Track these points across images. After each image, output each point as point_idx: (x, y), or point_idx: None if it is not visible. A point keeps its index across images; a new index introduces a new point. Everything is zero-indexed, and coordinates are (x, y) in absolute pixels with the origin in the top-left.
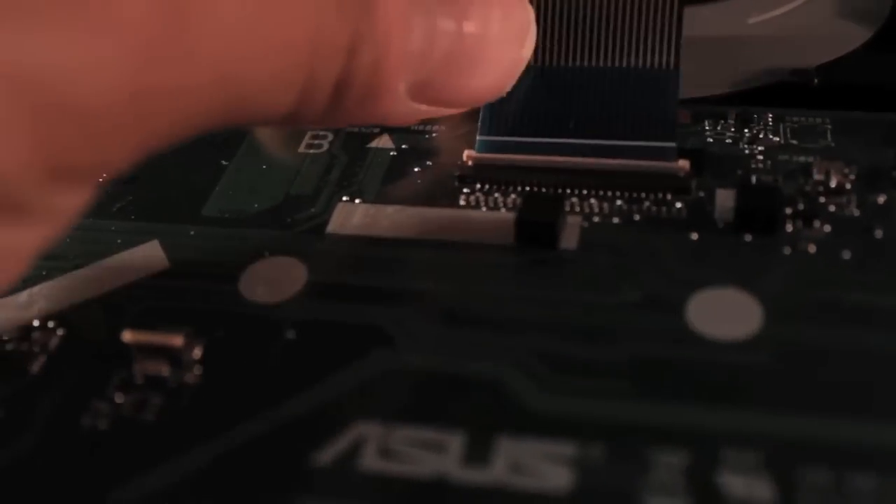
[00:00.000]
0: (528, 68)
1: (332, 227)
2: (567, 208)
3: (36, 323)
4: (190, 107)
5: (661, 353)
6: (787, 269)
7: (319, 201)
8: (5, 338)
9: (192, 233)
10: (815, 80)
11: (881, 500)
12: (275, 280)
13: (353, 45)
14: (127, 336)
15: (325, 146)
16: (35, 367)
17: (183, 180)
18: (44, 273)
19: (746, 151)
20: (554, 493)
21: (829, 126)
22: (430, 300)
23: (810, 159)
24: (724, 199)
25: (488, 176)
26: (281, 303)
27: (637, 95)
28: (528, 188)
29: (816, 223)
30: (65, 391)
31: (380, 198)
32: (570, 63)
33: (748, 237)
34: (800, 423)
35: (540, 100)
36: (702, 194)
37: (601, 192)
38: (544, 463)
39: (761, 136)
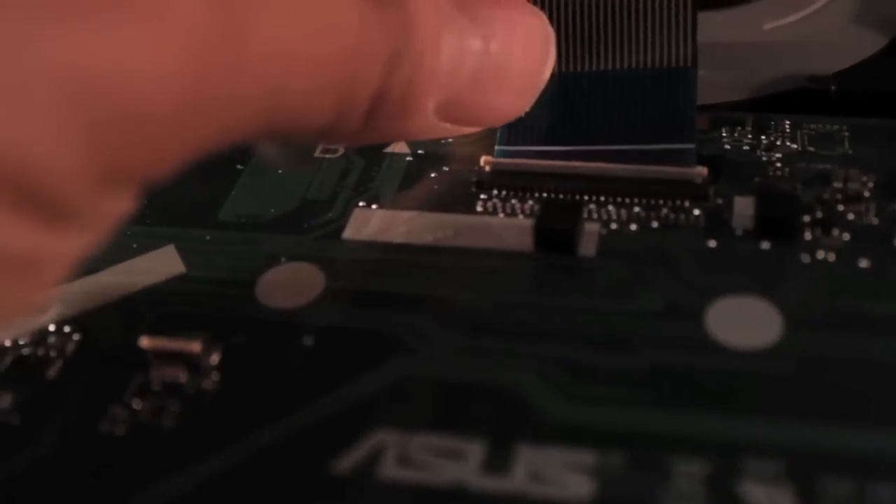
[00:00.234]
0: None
1: (348, 233)
2: (585, 215)
3: (52, 327)
4: (239, 116)
5: (680, 361)
6: (807, 278)
7: (336, 206)
8: (21, 342)
9: (208, 238)
10: (833, 87)
11: None
12: (292, 286)
13: (392, 59)
14: (144, 342)
15: (341, 150)
16: (52, 372)
17: (199, 184)
18: None
19: (764, 158)
20: (574, 502)
21: (847, 133)
22: (448, 307)
23: (828, 167)
24: (743, 206)
25: (506, 182)
26: (298, 309)
27: (654, 96)
28: (545, 195)
29: (835, 231)
30: (82, 397)
31: (396, 203)
32: (585, 67)
33: (767, 245)
34: (821, 433)
35: (556, 107)
36: (720, 201)
37: (619, 199)
38: (564, 472)
39: (779, 143)
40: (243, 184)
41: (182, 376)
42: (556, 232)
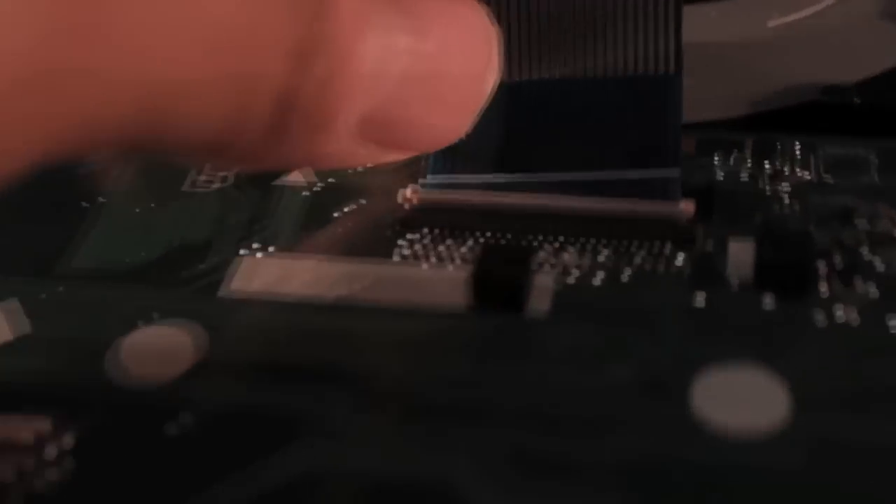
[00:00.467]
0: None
1: (233, 286)
2: (537, 263)
3: None
4: (101, 105)
5: (658, 449)
6: (821, 344)
7: (218, 252)
8: None
9: (56, 290)
10: (856, 100)
11: None
12: (162, 352)
13: (302, 49)
14: None
15: (228, 179)
16: None
17: (44, 224)
18: None
19: (768, 191)
20: None
21: (875, 159)
22: (362, 380)
23: (850, 201)
24: (740, 252)
25: (436, 220)
26: (170, 382)
27: (627, 111)
28: (486, 236)
29: (859, 283)
30: None
31: (296, 248)
32: (540, 75)
33: (770, 302)
34: None
35: (502, 125)
36: (711, 246)
37: (581, 242)
38: None
39: (787, 171)
40: (101, 224)
41: (27, 465)
42: (499, 284)
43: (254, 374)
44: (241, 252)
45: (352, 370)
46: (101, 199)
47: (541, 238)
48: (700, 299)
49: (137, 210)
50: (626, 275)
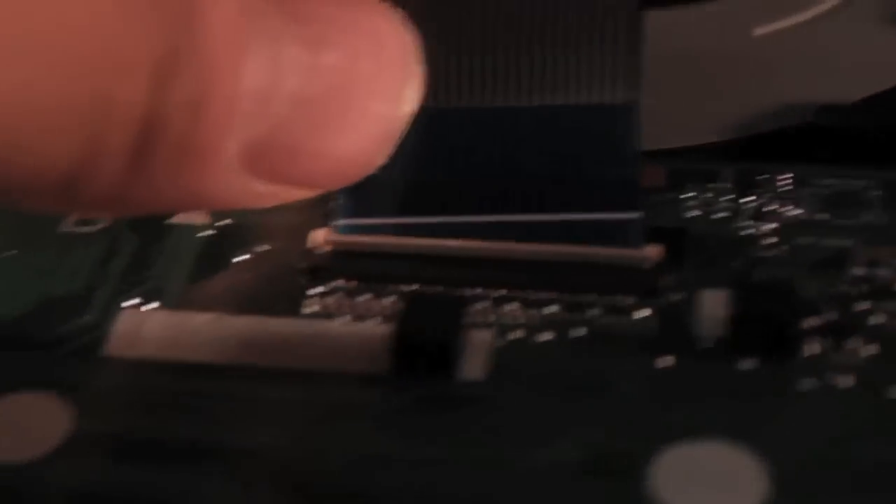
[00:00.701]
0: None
1: (112, 347)
2: (470, 318)
3: None
4: None
5: None
6: (808, 415)
7: (94, 306)
8: None
9: None
10: (854, 122)
11: None
12: (23, 427)
13: (163, 65)
14: None
15: (105, 221)
16: None
17: None
18: None
19: (749, 231)
20: None
21: (877, 192)
22: (262, 461)
23: (847, 244)
24: (714, 304)
25: (352, 269)
26: (32, 462)
27: (577, 146)
28: (412, 287)
29: (854, 342)
30: None
31: (186, 302)
32: (476, 102)
33: (749, 364)
34: None
35: (431, 155)
36: (679, 297)
37: (525, 293)
38: None
39: (772, 207)
40: None
41: None
42: (425, 344)
43: (133, 450)
44: (126, 304)
45: (247, 450)
46: None
47: (476, 289)
48: (665, 362)
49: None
50: (578, 333)
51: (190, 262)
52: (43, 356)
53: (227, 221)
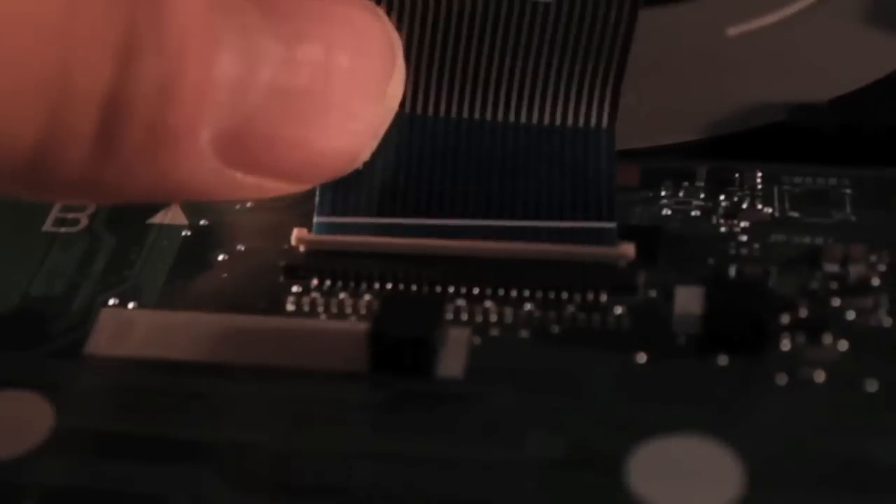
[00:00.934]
0: (396, 116)
1: (93, 346)
2: (449, 315)
3: None
4: None
5: None
6: (782, 409)
7: (74, 306)
8: None
9: None
10: (828, 121)
11: None
12: (7, 425)
13: (125, 45)
14: None
15: (84, 221)
16: None
17: None
18: None
19: (723, 229)
20: None
21: (849, 190)
22: (241, 457)
23: (819, 241)
24: (688, 301)
25: (330, 268)
26: (13, 459)
27: (554, 162)
28: (389, 286)
29: (827, 338)
30: None
31: (166, 301)
32: (462, 114)
33: (723, 360)
34: None
35: (411, 161)
36: (654, 294)
37: (501, 292)
38: None
39: (745, 205)
40: None
41: None
42: (403, 341)
43: (114, 448)
44: (109, 303)
45: (227, 446)
46: None
47: (454, 287)
48: (641, 358)
49: None
50: (555, 330)
51: (170, 261)
52: (24, 355)
53: (205, 222)
